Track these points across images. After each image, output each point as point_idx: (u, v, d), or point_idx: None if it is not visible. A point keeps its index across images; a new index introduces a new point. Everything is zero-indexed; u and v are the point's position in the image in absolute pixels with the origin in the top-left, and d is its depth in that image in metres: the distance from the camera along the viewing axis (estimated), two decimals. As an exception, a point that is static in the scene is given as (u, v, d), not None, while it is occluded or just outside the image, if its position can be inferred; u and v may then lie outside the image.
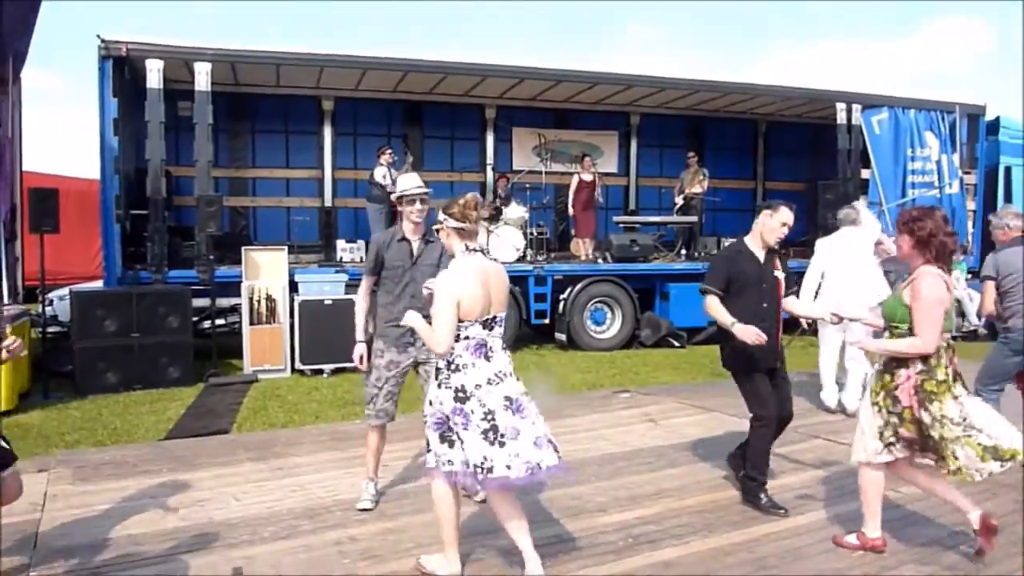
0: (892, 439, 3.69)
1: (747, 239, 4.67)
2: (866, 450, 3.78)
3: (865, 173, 12.49)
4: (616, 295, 11.14)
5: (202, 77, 9.45)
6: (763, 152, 15.34)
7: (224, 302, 9.67)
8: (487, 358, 3.43)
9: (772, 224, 4.53)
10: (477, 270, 3.45)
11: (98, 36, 9.07)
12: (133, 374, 8.23)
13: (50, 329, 8.92)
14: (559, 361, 10.20)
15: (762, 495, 4.45)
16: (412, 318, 3.59)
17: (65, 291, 9.66)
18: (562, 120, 14.04)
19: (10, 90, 9.19)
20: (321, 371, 9.00)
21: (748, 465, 4.53)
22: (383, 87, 12.16)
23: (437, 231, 3.74)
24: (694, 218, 12.85)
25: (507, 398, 3.41)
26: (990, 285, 5.49)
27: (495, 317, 3.48)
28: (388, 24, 67.49)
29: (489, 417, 3.34)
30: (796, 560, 3.78)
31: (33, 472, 5.10)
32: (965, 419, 3.54)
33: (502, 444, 3.32)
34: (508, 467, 3.29)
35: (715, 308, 4.47)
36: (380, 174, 10.86)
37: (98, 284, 10.10)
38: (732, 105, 13.72)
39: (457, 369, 3.40)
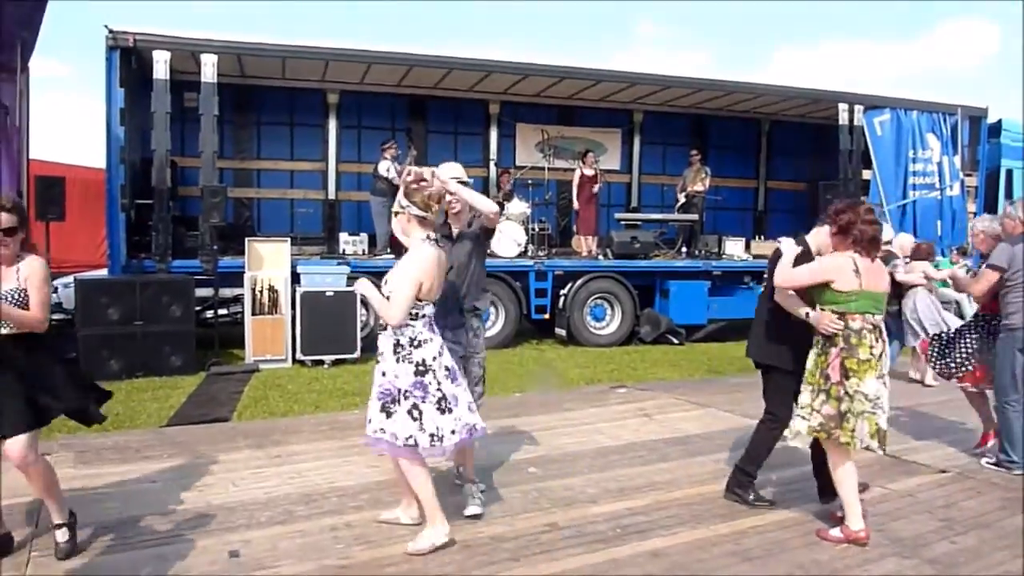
0: (811, 415, 3.97)
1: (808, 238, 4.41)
2: (791, 430, 4.14)
3: (867, 174, 12.55)
4: (616, 291, 11.22)
5: (208, 69, 9.53)
6: (766, 152, 15.38)
7: (227, 292, 9.78)
8: (437, 332, 3.84)
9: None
10: (435, 256, 3.76)
11: (106, 27, 9.15)
12: (136, 362, 8.33)
13: (54, 316, 9.02)
14: (558, 356, 10.29)
15: (750, 492, 4.51)
16: (364, 286, 3.95)
17: (70, 279, 9.76)
18: (566, 117, 14.09)
19: (18, 79, 9.28)
20: (321, 362, 9.10)
21: (745, 459, 4.55)
22: (388, 81, 12.23)
23: (396, 215, 3.85)
24: (695, 216, 12.92)
25: (447, 368, 3.78)
26: (993, 275, 5.14)
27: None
28: (394, 21, 67.46)
29: (439, 388, 3.71)
30: (780, 552, 3.86)
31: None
32: (878, 399, 3.87)
33: (450, 411, 3.72)
34: (453, 432, 3.71)
35: (790, 298, 4.19)
36: (384, 168, 10.93)
37: (103, 272, 10.20)
38: (735, 104, 13.76)
39: (419, 345, 3.72)
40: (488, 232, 4.52)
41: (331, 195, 12.68)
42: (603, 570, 3.66)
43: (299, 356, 9.10)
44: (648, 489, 4.81)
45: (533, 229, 11.75)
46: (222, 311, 9.84)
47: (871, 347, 3.86)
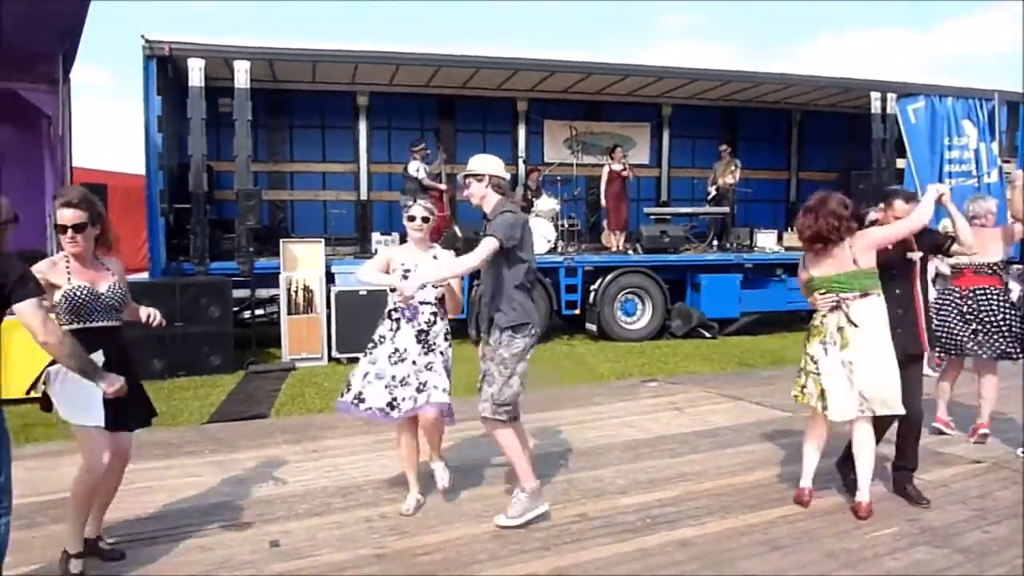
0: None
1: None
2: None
3: (901, 162, 12.38)
4: (646, 286, 11.23)
5: (242, 75, 9.75)
6: (797, 142, 15.24)
7: (263, 293, 10.01)
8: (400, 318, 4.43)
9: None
10: None
11: (143, 36, 9.40)
12: (177, 361, 8.56)
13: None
14: (589, 351, 10.33)
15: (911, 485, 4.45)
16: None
17: (112, 282, 10.03)
18: (594, 112, 14.12)
19: (60, 89, 9.58)
20: (356, 359, 9.19)
21: (906, 460, 4.47)
22: (416, 82, 12.37)
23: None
24: (726, 209, 12.86)
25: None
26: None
27: None
28: (420, 21, 67.78)
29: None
30: (809, 541, 3.88)
31: (85, 452, 5.39)
32: (817, 364, 4.22)
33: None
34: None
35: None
36: (413, 168, 11.07)
37: (144, 275, 10.48)
38: (765, 95, 13.65)
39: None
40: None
41: (363, 196, 12.86)
42: (632, 559, 3.71)
43: (334, 354, 9.28)
44: (678, 480, 4.85)
45: (562, 225, 11.80)
46: (259, 311, 10.07)
47: (822, 316, 4.23)
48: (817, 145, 15.15)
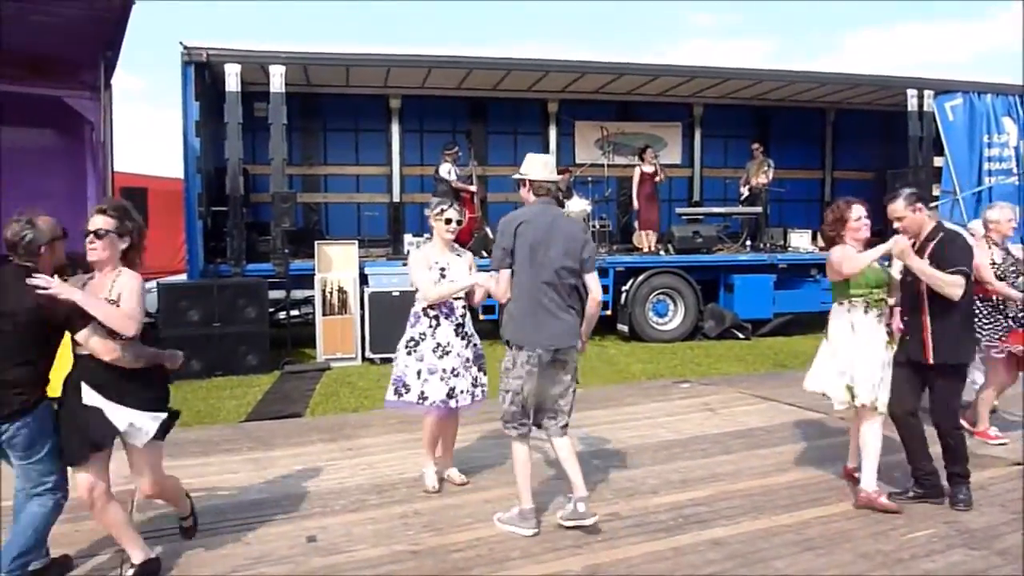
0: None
1: None
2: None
3: (939, 161, 12.18)
4: (678, 287, 11.18)
5: (277, 79, 9.91)
6: (831, 141, 15.05)
7: (298, 294, 10.16)
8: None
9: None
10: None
11: (181, 43, 9.60)
12: (215, 361, 8.73)
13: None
14: (620, 352, 10.32)
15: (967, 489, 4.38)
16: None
17: (152, 284, 10.26)
18: (625, 112, 14.08)
19: (101, 96, 9.83)
20: (390, 359, 9.31)
21: (957, 465, 4.38)
22: (448, 85, 12.45)
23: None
24: (759, 209, 12.75)
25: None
26: None
27: None
28: (452, 23, 68.14)
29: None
30: (844, 542, 3.86)
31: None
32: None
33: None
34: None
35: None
36: (445, 170, 11.15)
37: (182, 277, 10.71)
38: (799, 94, 13.50)
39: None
40: None
41: (395, 198, 12.97)
42: (665, 557, 3.73)
43: (368, 354, 9.39)
44: (710, 480, 4.85)
45: (593, 226, 11.78)
46: (294, 312, 10.24)
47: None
48: (852, 143, 14.94)
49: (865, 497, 4.26)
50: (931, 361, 4.27)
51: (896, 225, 4.40)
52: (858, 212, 4.43)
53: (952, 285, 4.14)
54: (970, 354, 4.62)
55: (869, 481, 4.28)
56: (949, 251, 4.26)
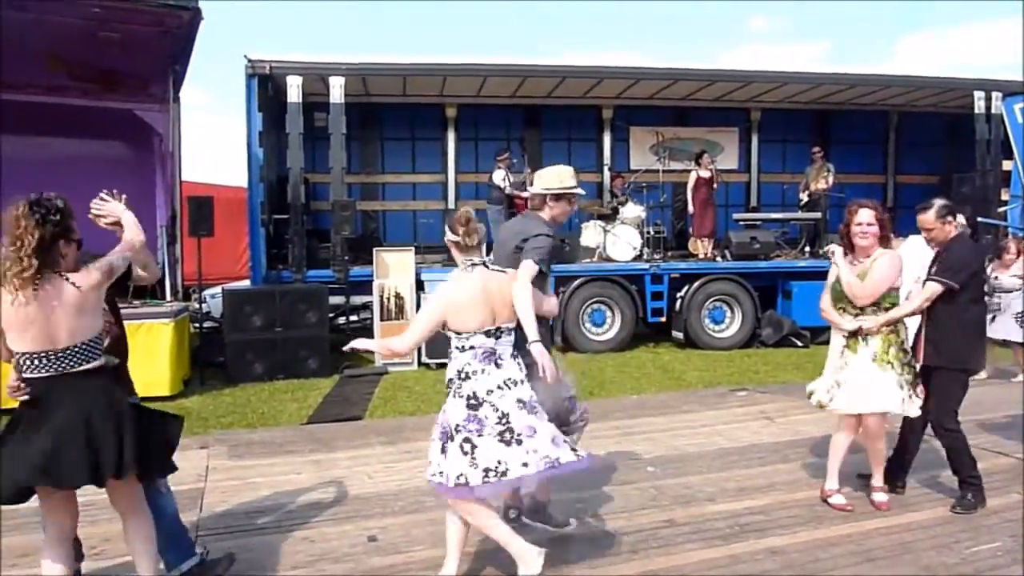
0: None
1: None
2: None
3: (1007, 164, 11.81)
4: (735, 293, 11.06)
5: (336, 90, 10.17)
6: (894, 144, 14.69)
7: (357, 299, 10.36)
8: (497, 365, 3.46)
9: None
10: (474, 285, 3.47)
11: (245, 56, 9.92)
12: (277, 365, 8.98)
13: (205, 324, 9.86)
14: (675, 359, 10.25)
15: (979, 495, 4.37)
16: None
17: (217, 289, 10.61)
18: (680, 118, 13.99)
19: (170, 108, 10.23)
20: (444, 365, 9.46)
21: (964, 471, 4.40)
22: (503, 93, 12.56)
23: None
24: (818, 215, 12.51)
25: (520, 400, 3.42)
26: None
27: (500, 328, 3.48)
28: (509, 30, 68.60)
29: (504, 420, 3.36)
30: (905, 554, 3.79)
31: (195, 448, 5.77)
32: None
33: (519, 443, 3.34)
34: (525, 464, 3.31)
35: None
36: (499, 177, 11.25)
37: (245, 283, 11.03)
38: (860, 97, 13.23)
39: (467, 377, 3.42)
40: None
41: (451, 205, 13.11)
42: (720, 565, 3.73)
43: (424, 359, 9.53)
44: (768, 489, 4.81)
45: (648, 232, 11.74)
46: (353, 317, 10.44)
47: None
48: (916, 147, 14.55)
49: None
50: (920, 363, 4.40)
51: (924, 236, 4.43)
52: (861, 217, 4.32)
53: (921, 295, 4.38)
54: (976, 360, 4.53)
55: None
56: (945, 258, 4.37)
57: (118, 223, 3.30)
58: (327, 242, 10.36)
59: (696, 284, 10.94)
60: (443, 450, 3.44)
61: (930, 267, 4.43)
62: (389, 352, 3.73)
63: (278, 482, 5.05)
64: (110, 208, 3.31)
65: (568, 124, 13.59)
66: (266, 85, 10.31)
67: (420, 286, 9.80)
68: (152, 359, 7.80)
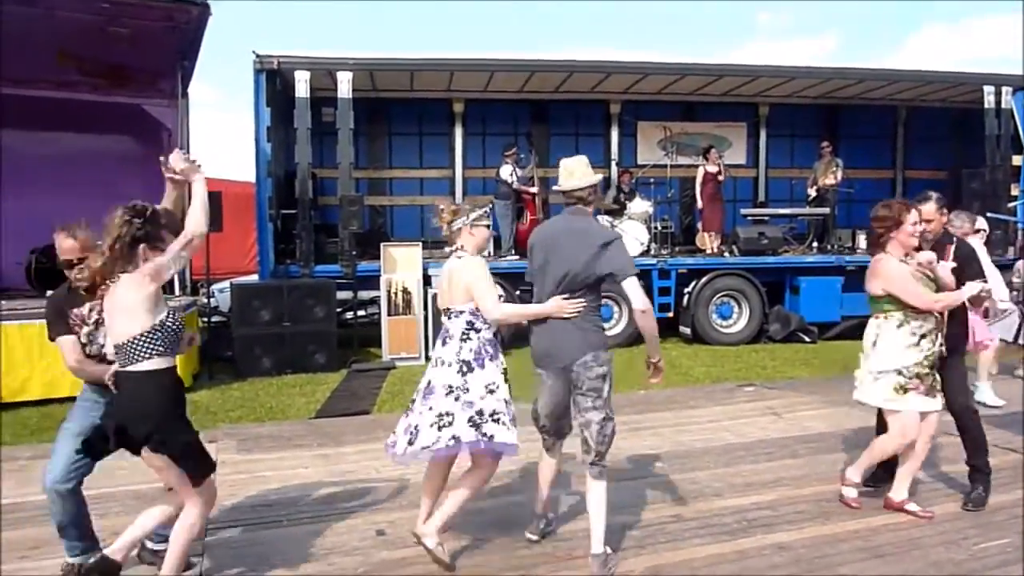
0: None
1: None
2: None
3: (1017, 159, 11.75)
4: (743, 289, 11.04)
5: (344, 85, 10.16)
6: (903, 139, 14.62)
7: (365, 294, 10.39)
8: (444, 343, 3.87)
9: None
10: (446, 270, 3.97)
11: (253, 52, 9.94)
12: (285, 359, 9.01)
13: (213, 318, 9.90)
14: (683, 354, 10.24)
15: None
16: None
17: (225, 284, 10.65)
18: (688, 113, 13.96)
19: (179, 104, 10.26)
20: (452, 360, 9.48)
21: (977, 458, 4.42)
22: (510, 88, 12.54)
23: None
24: (826, 210, 12.48)
25: (428, 382, 3.81)
26: None
27: (448, 309, 3.88)
28: (515, 27, 68.44)
29: (417, 392, 3.90)
30: (913, 550, 3.80)
31: (204, 442, 5.77)
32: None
33: (406, 415, 3.89)
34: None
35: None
36: (506, 172, 11.25)
37: (253, 278, 11.06)
38: (868, 92, 13.17)
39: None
40: None
41: (458, 200, 13.11)
42: (728, 560, 3.74)
43: (431, 354, 9.50)
44: (775, 485, 4.81)
45: (655, 227, 11.74)
46: (361, 312, 10.47)
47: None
48: (925, 142, 14.48)
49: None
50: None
51: (924, 227, 4.35)
52: (915, 216, 4.16)
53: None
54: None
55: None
56: (970, 260, 4.50)
57: (184, 184, 3.31)
58: (335, 237, 10.37)
59: (704, 279, 10.92)
60: None
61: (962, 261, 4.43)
62: None
63: (286, 476, 5.08)
64: (186, 169, 3.29)
65: (575, 119, 13.57)
66: (274, 80, 10.32)
67: (427, 281, 9.81)
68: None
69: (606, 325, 10.71)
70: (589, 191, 3.86)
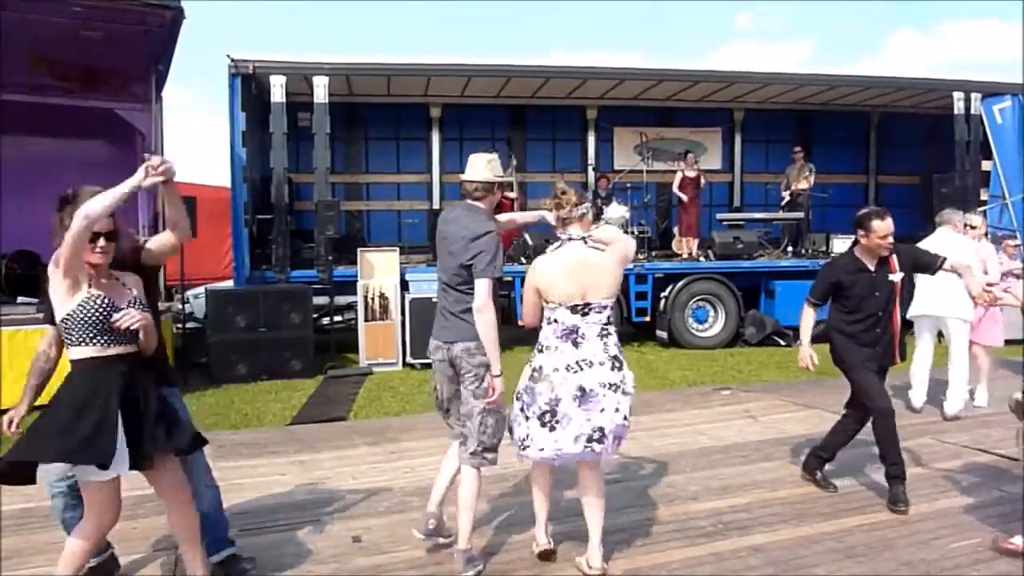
0: None
1: (855, 250, 4.78)
2: None
3: (987, 165, 11.95)
4: (719, 293, 11.12)
5: (320, 90, 10.13)
6: (875, 145, 14.83)
7: (341, 300, 10.34)
8: (575, 344, 3.49)
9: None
10: (563, 258, 3.56)
11: (228, 56, 9.87)
12: (260, 366, 8.93)
13: (188, 324, 9.80)
14: (660, 358, 10.29)
15: (902, 487, 4.43)
16: None
17: (200, 290, 10.54)
18: (664, 118, 14.07)
19: (152, 108, 10.15)
20: (429, 365, 9.46)
21: (887, 461, 4.49)
22: (487, 93, 12.57)
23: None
24: (800, 214, 12.61)
25: (580, 387, 3.45)
26: None
27: (588, 304, 3.51)
28: (491, 30, 68.59)
29: (553, 403, 3.45)
30: (885, 550, 3.84)
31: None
32: None
33: (552, 429, 3.46)
34: (541, 450, 3.50)
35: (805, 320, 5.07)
36: (484, 177, 11.23)
37: (228, 283, 10.96)
38: (841, 97, 13.36)
39: (541, 351, 3.56)
40: None
41: (435, 205, 13.11)
42: (704, 563, 3.75)
43: (408, 359, 9.52)
44: (751, 488, 4.84)
45: (632, 232, 11.78)
46: (337, 318, 10.41)
47: None
48: (897, 148, 14.71)
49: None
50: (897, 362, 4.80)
51: (886, 241, 4.52)
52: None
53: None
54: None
55: None
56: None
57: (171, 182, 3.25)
58: (311, 242, 10.32)
59: (680, 284, 10.99)
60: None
61: (909, 269, 4.75)
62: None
63: (262, 483, 5.03)
64: (167, 167, 3.21)
65: (553, 124, 13.64)
66: (249, 85, 10.26)
67: (405, 286, 9.78)
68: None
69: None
70: (480, 188, 3.73)
